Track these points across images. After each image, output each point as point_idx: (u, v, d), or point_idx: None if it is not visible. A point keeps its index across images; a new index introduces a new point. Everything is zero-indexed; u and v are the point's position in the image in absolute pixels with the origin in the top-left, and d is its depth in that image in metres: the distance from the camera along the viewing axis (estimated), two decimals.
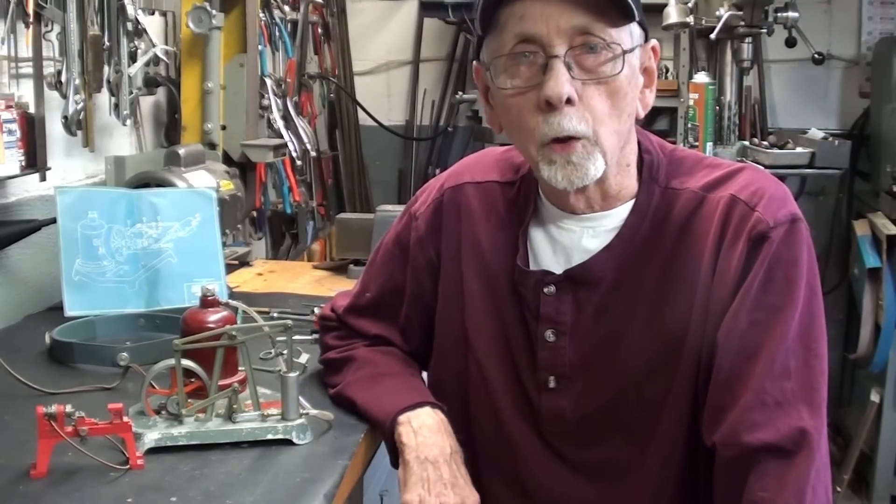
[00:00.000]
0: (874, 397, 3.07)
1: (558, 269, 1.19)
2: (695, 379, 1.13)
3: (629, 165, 1.18)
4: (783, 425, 1.05)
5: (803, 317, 1.09)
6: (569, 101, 1.07)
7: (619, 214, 1.18)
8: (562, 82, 1.07)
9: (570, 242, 1.20)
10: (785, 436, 1.05)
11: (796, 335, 1.08)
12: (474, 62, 1.20)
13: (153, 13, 2.27)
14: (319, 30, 3.53)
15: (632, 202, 1.18)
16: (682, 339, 1.13)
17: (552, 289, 1.19)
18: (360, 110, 3.72)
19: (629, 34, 1.11)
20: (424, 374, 1.37)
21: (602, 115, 1.10)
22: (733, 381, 1.08)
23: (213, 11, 2.24)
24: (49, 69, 1.85)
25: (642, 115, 1.17)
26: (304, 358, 1.34)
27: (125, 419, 1.11)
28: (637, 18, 1.11)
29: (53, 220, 1.70)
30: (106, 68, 1.99)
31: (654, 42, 1.18)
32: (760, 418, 1.06)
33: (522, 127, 1.12)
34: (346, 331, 1.39)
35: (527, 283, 1.21)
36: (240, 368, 1.25)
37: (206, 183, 1.97)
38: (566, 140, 1.09)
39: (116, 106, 2.06)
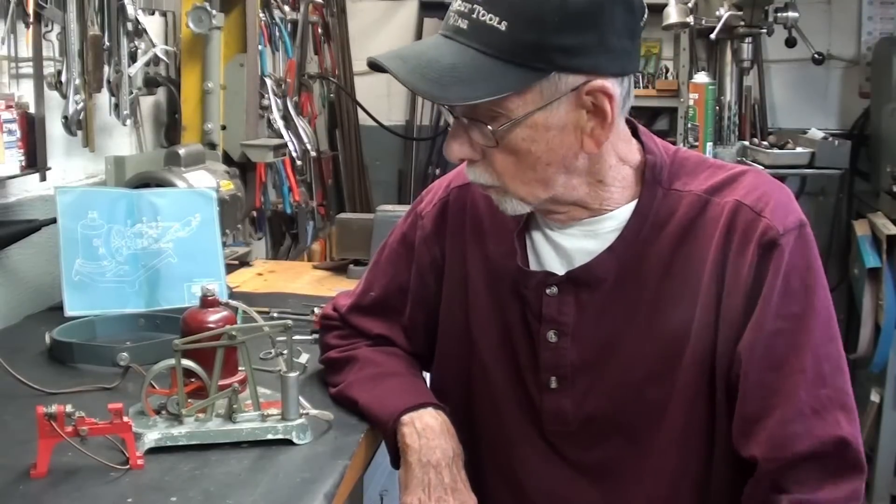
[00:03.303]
0: (874, 397, 3.07)
1: (561, 270, 1.19)
2: (699, 382, 1.13)
3: (602, 181, 1.14)
4: (823, 433, 1.06)
5: (825, 321, 1.10)
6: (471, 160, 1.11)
7: (620, 215, 1.17)
8: (452, 148, 1.11)
9: (571, 244, 1.19)
10: (825, 443, 1.06)
11: (823, 340, 1.09)
12: None
13: (153, 13, 2.26)
14: (319, 30, 3.53)
15: (634, 203, 1.17)
16: (683, 341, 1.13)
17: (554, 290, 1.18)
18: (360, 110, 3.71)
19: (522, 100, 1.04)
20: (426, 375, 1.37)
21: (505, 171, 1.11)
22: (765, 392, 1.08)
23: (213, 11, 2.24)
24: (49, 69, 1.85)
25: (595, 151, 1.09)
26: (304, 358, 1.34)
27: (125, 419, 1.11)
28: (548, 73, 1.03)
29: (53, 220, 1.70)
30: (106, 68, 1.99)
31: (596, 82, 1.05)
32: (800, 429, 1.06)
33: None
34: (348, 330, 1.39)
35: (529, 284, 1.20)
36: (240, 368, 1.25)
37: (206, 183, 1.97)
38: None
39: (116, 106, 2.06)
